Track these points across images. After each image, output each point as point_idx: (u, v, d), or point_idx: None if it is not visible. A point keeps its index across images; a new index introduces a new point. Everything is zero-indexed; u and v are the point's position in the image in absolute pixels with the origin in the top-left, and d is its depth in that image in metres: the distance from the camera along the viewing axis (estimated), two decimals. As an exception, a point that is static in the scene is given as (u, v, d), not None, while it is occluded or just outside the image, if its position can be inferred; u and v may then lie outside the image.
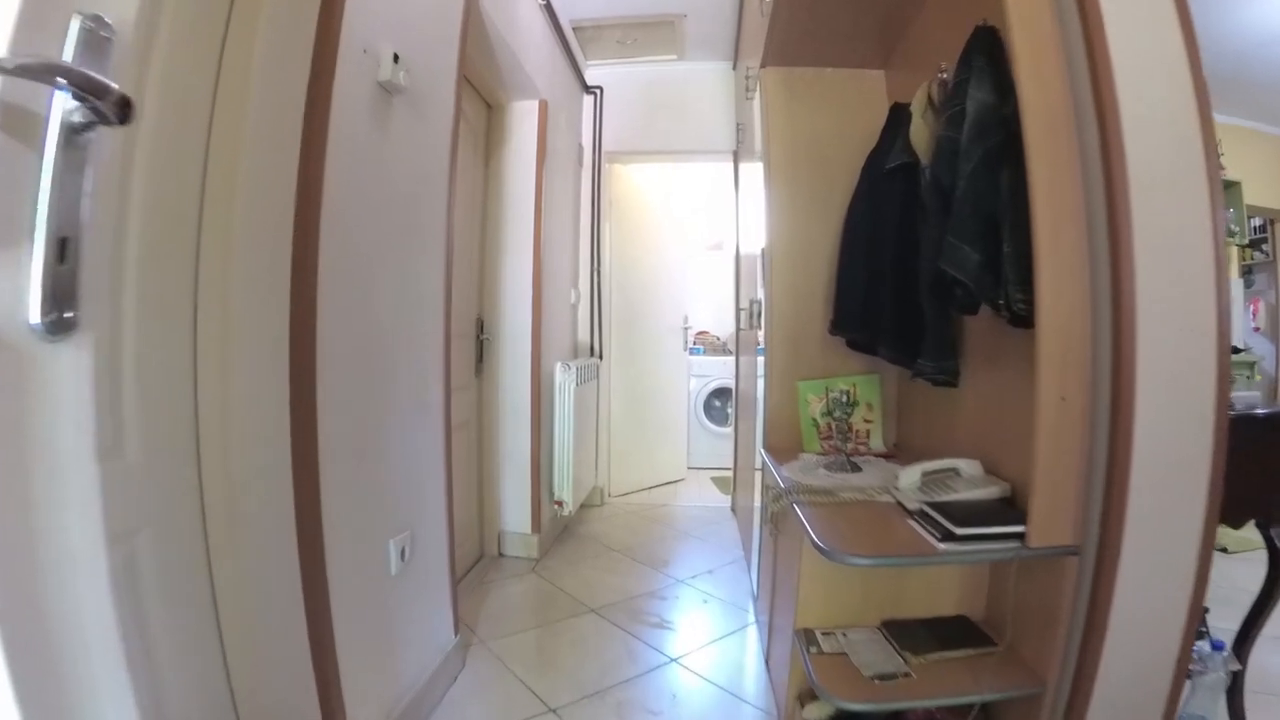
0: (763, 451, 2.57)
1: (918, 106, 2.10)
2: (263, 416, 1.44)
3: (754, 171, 3.35)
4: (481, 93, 3.44)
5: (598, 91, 4.80)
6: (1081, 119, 1.48)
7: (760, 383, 2.74)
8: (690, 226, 6.28)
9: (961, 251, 1.63)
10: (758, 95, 2.97)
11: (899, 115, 2.27)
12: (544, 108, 3.63)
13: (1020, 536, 1.50)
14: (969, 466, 1.85)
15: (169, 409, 1.31)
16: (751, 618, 2.90)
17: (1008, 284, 1.55)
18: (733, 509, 4.70)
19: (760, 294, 2.81)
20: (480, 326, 3.59)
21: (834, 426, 2.52)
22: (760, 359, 2.80)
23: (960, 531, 1.51)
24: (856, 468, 2.20)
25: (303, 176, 1.47)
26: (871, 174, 2.39)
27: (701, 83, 4.85)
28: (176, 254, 1.34)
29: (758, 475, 2.96)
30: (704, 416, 6.07)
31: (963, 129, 1.68)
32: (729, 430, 5.78)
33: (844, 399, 2.26)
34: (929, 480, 1.86)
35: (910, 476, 1.86)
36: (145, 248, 1.23)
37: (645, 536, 4.09)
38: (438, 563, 2.30)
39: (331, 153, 1.56)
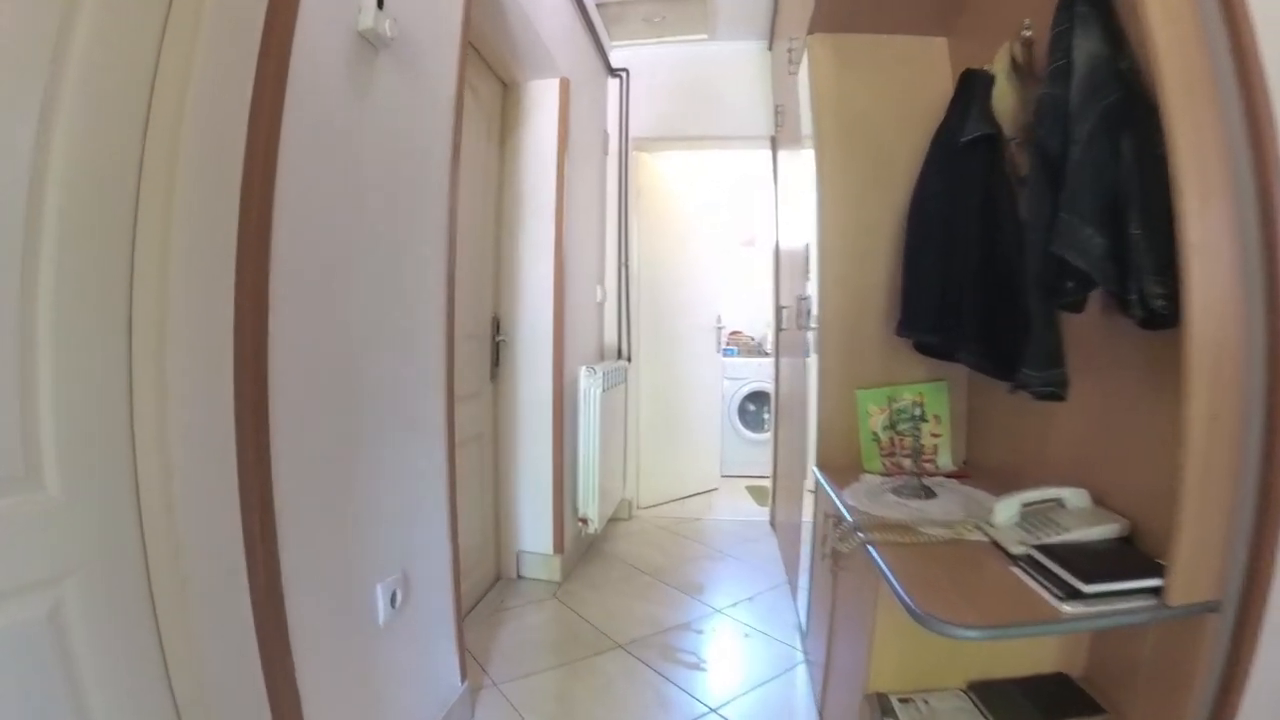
0: (816, 471, 2.27)
1: (1000, 68, 1.84)
2: (203, 442, 1.16)
3: (797, 157, 3.08)
4: (495, 68, 3.15)
5: (623, 74, 4.49)
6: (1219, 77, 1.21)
7: (811, 390, 2.44)
8: (722, 220, 5.97)
9: (1082, 234, 1.33)
10: (803, 67, 2.68)
11: (971, 83, 1.99)
12: (565, 86, 3.32)
13: (1155, 590, 1.21)
14: (1075, 497, 1.54)
15: (99, 431, 1.08)
16: (800, 655, 2.59)
17: (1141, 275, 1.26)
18: (771, 523, 4.38)
19: (809, 290, 2.51)
20: (496, 327, 3.31)
21: (897, 441, 2.23)
22: (810, 363, 2.50)
23: (1089, 589, 1.20)
24: (930, 493, 1.90)
25: (251, 143, 1.18)
26: (943, 149, 2.09)
27: (735, 64, 4.55)
28: (108, 238, 1.08)
29: (806, 493, 2.67)
30: (738, 422, 5.78)
31: (1069, 85, 1.40)
32: (765, 437, 5.52)
33: (915, 412, 1.96)
34: (1028, 513, 1.56)
35: (1007, 510, 1.55)
36: (68, 230, 1.01)
37: (677, 556, 3.78)
38: (439, 604, 2.02)
39: (292, 116, 1.28)
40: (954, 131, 2.01)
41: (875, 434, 2.27)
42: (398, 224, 1.77)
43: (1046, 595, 1.27)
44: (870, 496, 1.89)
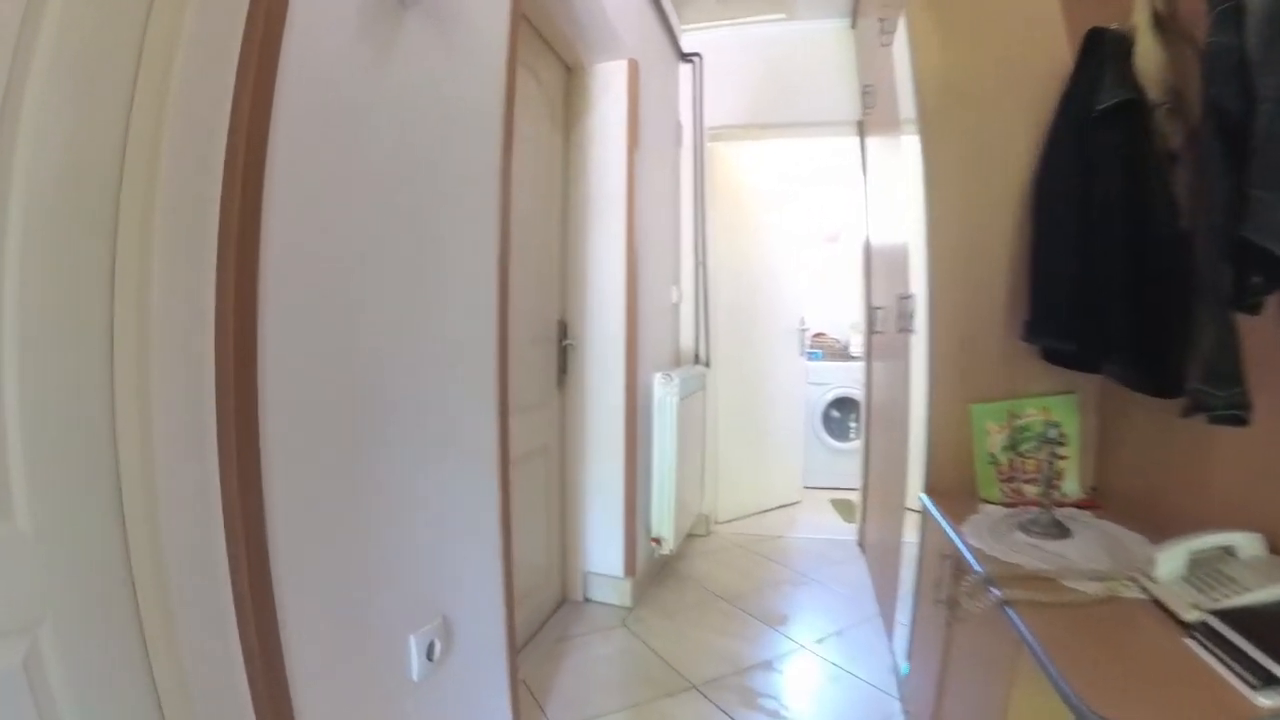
0: (926, 499, 2.00)
1: (1142, 22, 1.60)
2: (185, 469, 0.99)
3: (892, 141, 2.81)
4: (557, 49, 2.95)
5: (696, 60, 4.25)
6: None
7: (915, 402, 2.16)
8: (803, 216, 5.69)
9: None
10: (898, 37, 2.42)
11: (1100, 43, 1.73)
12: (633, 69, 3.10)
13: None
14: (1248, 543, 1.24)
15: (77, 455, 0.94)
16: (896, 703, 2.31)
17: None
18: (860, 543, 4.08)
19: (914, 288, 2.24)
20: (563, 330, 3.11)
21: (1018, 465, 1.95)
22: (913, 370, 2.22)
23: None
24: (1064, 530, 1.62)
25: (236, 113, 1.00)
26: (1070, 121, 1.80)
27: (816, 45, 4.28)
28: (86, 230, 0.93)
29: (907, 512, 2.40)
30: (822, 430, 5.49)
31: (1242, 31, 1.16)
32: (851, 446, 5.26)
33: (1050, 433, 1.67)
34: (1193, 562, 1.28)
35: (1172, 561, 1.26)
36: (37, 219, 0.87)
37: (757, 580, 3.52)
38: (488, 650, 1.81)
39: (289, 79, 1.09)
40: (1083, 100, 1.74)
41: (993, 456, 1.98)
42: (436, 215, 1.56)
43: (1234, 680, 0.99)
44: (994, 534, 1.62)
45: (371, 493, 1.37)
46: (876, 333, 3.54)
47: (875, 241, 3.68)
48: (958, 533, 1.61)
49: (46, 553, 0.89)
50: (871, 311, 3.66)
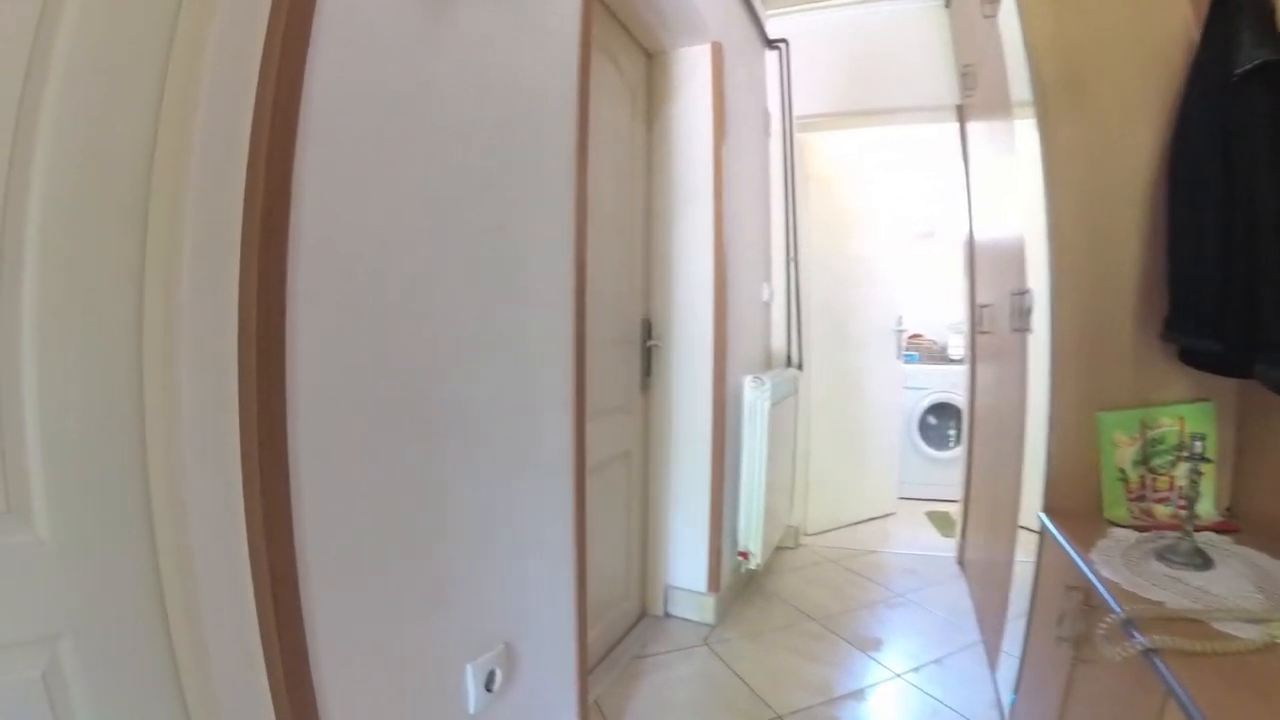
0: (1045, 519, 1.82)
1: None
2: (215, 477, 0.94)
3: (1000, 124, 2.62)
4: (636, 34, 2.85)
5: (782, 46, 4.10)
6: None
7: (1032, 408, 1.98)
8: (898, 209, 5.47)
9: None
10: (1003, 6, 2.26)
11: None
12: (717, 53, 2.98)
13: None
14: None
15: (100, 460, 0.90)
16: (1007, 744, 2.14)
17: None
18: (959, 561, 3.86)
19: (1032, 283, 2.05)
20: (648, 330, 3.02)
21: (1148, 482, 1.77)
22: (1032, 373, 2.04)
23: None
24: (1206, 560, 1.43)
25: (262, 85, 0.93)
26: (1205, 87, 1.63)
27: (908, 26, 4.11)
28: (112, 222, 0.90)
29: (1020, 533, 2.21)
30: (918, 437, 5.26)
31: None
32: (949, 455, 5.05)
33: (1196, 448, 1.47)
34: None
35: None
36: (59, 210, 0.84)
37: (849, 599, 3.35)
38: (556, 677, 1.73)
39: (323, 53, 1.03)
40: (1218, 65, 1.59)
41: (1122, 471, 1.79)
42: (503, 205, 1.48)
43: None
44: (1128, 564, 1.44)
45: (427, 507, 1.30)
46: (982, 333, 3.33)
47: (979, 235, 3.47)
48: (1088, 563, 1.44)
49: (67, 562, 0.86)
50: (977, 310, 3.45)
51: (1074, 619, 1.45)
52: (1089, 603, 1.38)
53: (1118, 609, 1.22)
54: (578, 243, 1.76)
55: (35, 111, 0.81)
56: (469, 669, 1.39)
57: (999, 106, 2.57)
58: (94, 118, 0.86)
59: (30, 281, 0.82)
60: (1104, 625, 1.18)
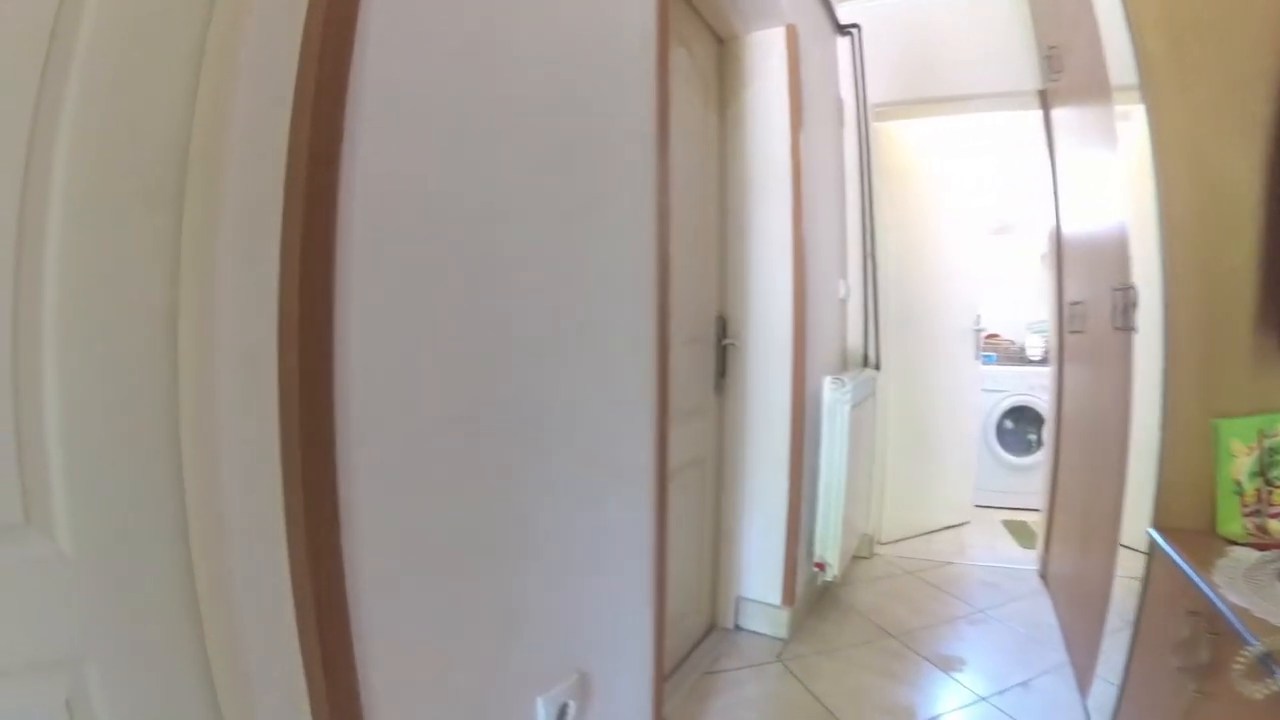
0: (1156, 535, 1.71)
1: None
2: (252, 492, 0.89)
3: (1089, 110, 2.53)
4: (707, 18, 2.80)
5: (854, 31, 4.01)
6: None
7: (1141, 414, 1.87)
8: (973, 202, 5.32)
9: None
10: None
11: None
12: (792, 35, 2.90)
13: None
14: None
15: (129, 466, 0.84)
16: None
17: None
18: (1041, 574, 3.73)
19: (1136, 279, 1.94)
20: (722, 328, 2.96)
21: (1264, 495, 1.66)
22: (1139, 376, 1.93)
23: None
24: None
25: (308, 39, 0.87)
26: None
27: (983, 6, 3.98)
28: (142, 204, 0.84)
29: (1121, 552, 2.10)
30: (995, 442, 5.11)
31: None
32: (1028, 461, 4.93)
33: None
34: None
35: None
36: (87, 179, 0.79)
37: (927, 614, 3.25)
38: (630, 707, 1.68)
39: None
40: None
41: (1238, 483, 1.68)
42: (580, 185, 1.43)
43: None
44: (1253, 586, 1.33)
45: (498, 522, 1.25)
46: (1074, 332, 3.19)
47: (1069, 227, 3.35)
48: (1211, 586, 1.34)
49: (92, 578, 0.80)
50: (1068, 308, 3.31)
51: (1197, 648, 1.35)
52: (1215, 629, 1.28)
53: (1253, 641, 1.12)
54: (660, 233, 1.70)
55: (62, 76, 0.76)
56: (539, 702, 1.34)
57: (1094, 90, 2.46)
58: (123, 82, 0.80)
59: (51, 266, 0.76)
60: (1241, 659, 1.09)
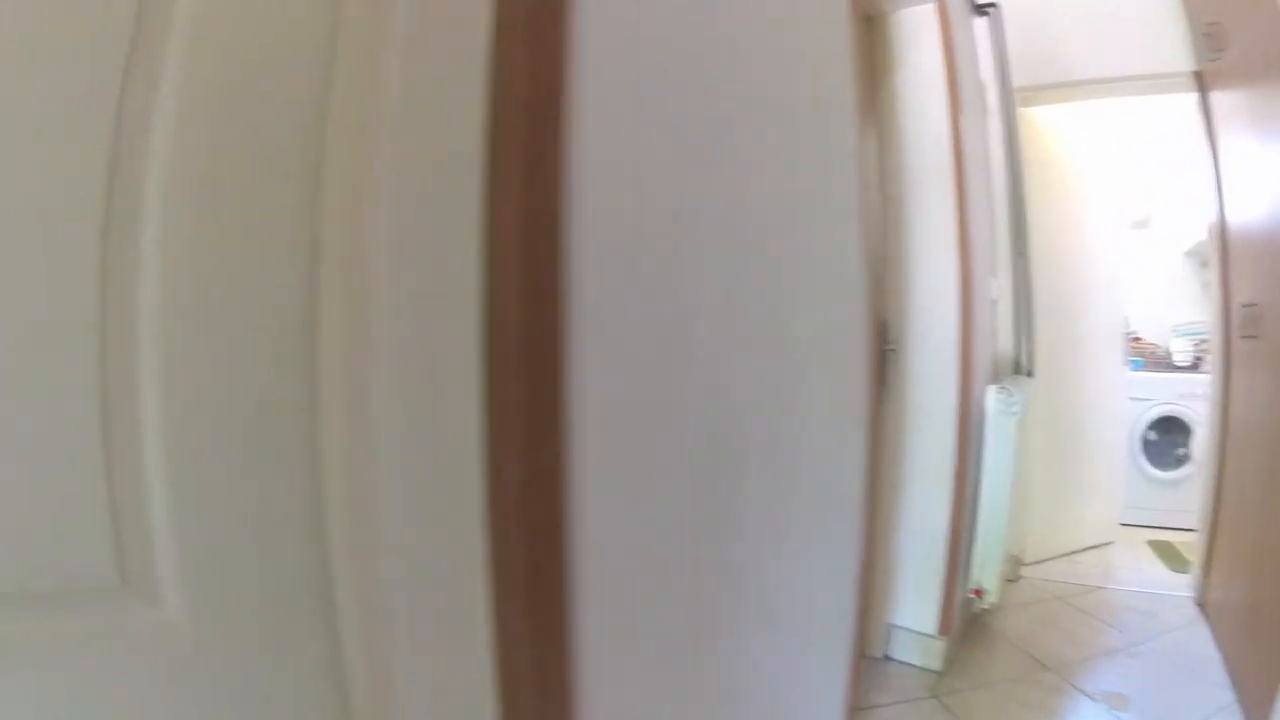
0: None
1: None
2: (429, 552, 0.71)
3: (1263, 94, 2.41)
4: (851, -6, 2.71)
5: (991, 9, 3.82)
6: None
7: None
8: (1118, 196, 5.09)
9: None
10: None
11: None
12: (944, 12, 2.76)
13: None
14: None
15: (258, 506, 0.66)
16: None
17: None
18: (1199, 603, 3.50)
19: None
20: (883, 333, 2.85)
21: None
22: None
23: None
24: None
25: None
26: None
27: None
28: (262, 171, 0.66)
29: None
30: (1140, 455, 4.88)
31: None
32: (1176, 475, 4.70)
33: None
34: None
35: None
36: (193, 141, 0.61)
37: (1084, 644, 3.08)
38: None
39: None
40: None
41: None
42: (796, 179, 1.34)
43: None
44: None
45: (708, 581, 1.09)
46: (1246, 337, 3.00)
47: (1237, 221, 3.16)
48: None
49: (211, 655, 0.63)
50: (1238, 310, 3.12)
51: None
52: None
53: None
54: (867, 231, 1.63)
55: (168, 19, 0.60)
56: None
57: (1269, 66, 2.30)
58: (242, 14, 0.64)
59: (149, 251, 0.60)
60: None
